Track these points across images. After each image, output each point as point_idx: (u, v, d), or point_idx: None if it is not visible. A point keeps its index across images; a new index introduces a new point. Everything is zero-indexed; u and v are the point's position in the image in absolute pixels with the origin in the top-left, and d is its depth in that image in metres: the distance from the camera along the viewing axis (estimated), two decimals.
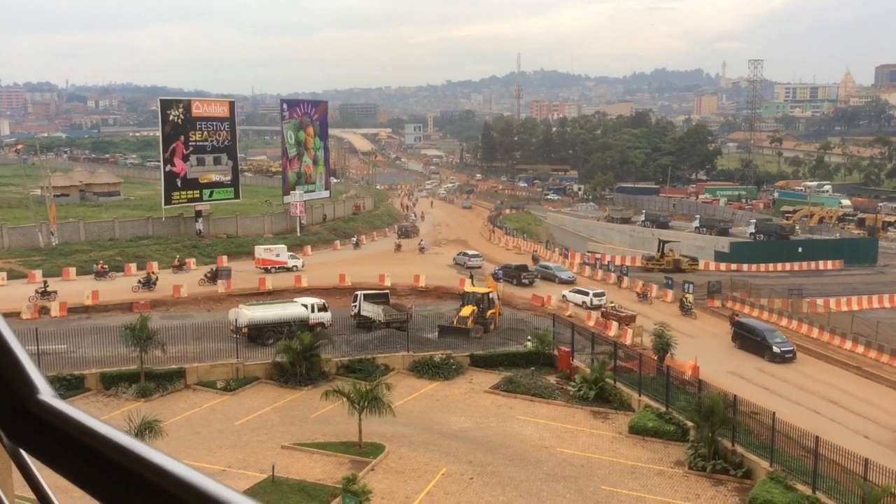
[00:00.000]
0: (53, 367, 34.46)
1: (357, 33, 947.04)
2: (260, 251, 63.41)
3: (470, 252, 69.49)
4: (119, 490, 0.79)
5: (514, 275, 60.08)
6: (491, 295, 46.65)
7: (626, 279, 61.55)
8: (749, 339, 43.44)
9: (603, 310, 50.31)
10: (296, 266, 62.15)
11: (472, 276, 58.05)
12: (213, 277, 55.68)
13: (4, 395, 0.88)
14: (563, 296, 54.03)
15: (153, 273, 55.84)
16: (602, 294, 53.77)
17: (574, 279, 60.53)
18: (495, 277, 57.43)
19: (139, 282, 53.46)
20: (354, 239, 76.57)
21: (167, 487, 0.77)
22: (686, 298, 52.56)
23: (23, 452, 0.91)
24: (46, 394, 0.89)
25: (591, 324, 47.34)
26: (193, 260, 63.08)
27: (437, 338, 42.58)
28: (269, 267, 61.26)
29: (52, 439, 0.85)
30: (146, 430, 24.23)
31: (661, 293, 56.69)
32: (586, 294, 53.61)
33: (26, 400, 0.87)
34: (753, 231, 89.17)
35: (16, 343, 0.93)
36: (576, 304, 52.55)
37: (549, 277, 61.31)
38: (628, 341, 42.96)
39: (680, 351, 39.13)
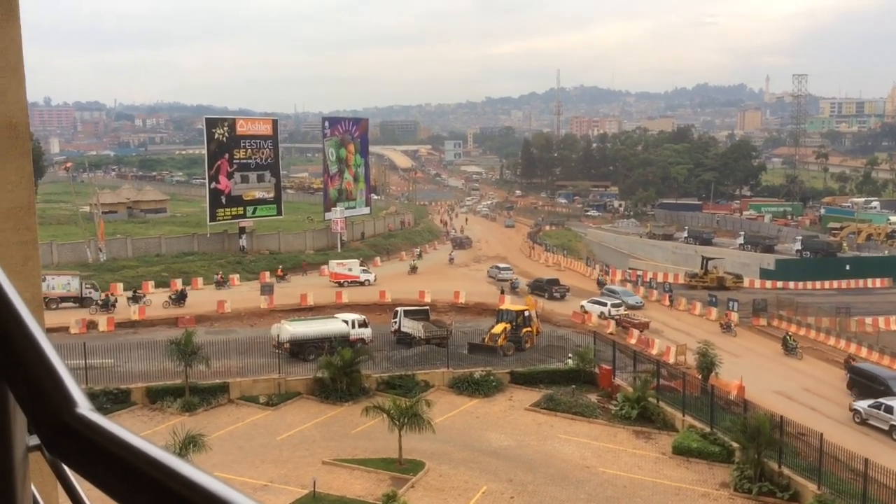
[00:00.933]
0: (101, 381, 35.21)
1: (397, 51, 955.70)
2: (333, 266, 65.29)
3: (501, 265, 70.82)
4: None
5: (545, 288, 60.56)
6: (527, 313, 46.14)
7: (683, 301, 58.98)
8: (870, 388, 36.69)
9: (618, 317, 51.77)
10: (368, 280, 63.19)
11: (503, 291, 58.51)
12: (177, 299, 54.36)
13: (44, 408, 0.90)
14: (582, 306, 54.98)
15: (182, 289, 56.03)
16: (620, 304, 54.72)
17: (642, 304, 56.97)
18: (513, 287, 61.45)
19: (169, 297, 54.16)
20: (414, 256, 76.48)
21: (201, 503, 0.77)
22: (729, 318, 52.21)
23: (63, 465, 0.93)
24: (84, 407, 0.91)
25: (609, 331, 49.03)
26: (237, 276, 63.96)
27: (468, 355, 42.47)
28: (342, 281, 62.41)
29: (90, 452, 0.86)
30: (190, 444, 24.56)
31: (704, 311, 55.97)
32: (605, 304, 54.27)
33: (65, 413, 0.89)
34: (799, 248, 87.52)
35: (55, 357, 0.94)
36: (596, 315, 53.36)
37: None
38: (672, 360, 42.42)
39: (724, 370, 38.52)
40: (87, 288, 53.50)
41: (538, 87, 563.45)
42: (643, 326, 49.88)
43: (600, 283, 64.50)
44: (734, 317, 52.56)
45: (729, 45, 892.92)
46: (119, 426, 0.90)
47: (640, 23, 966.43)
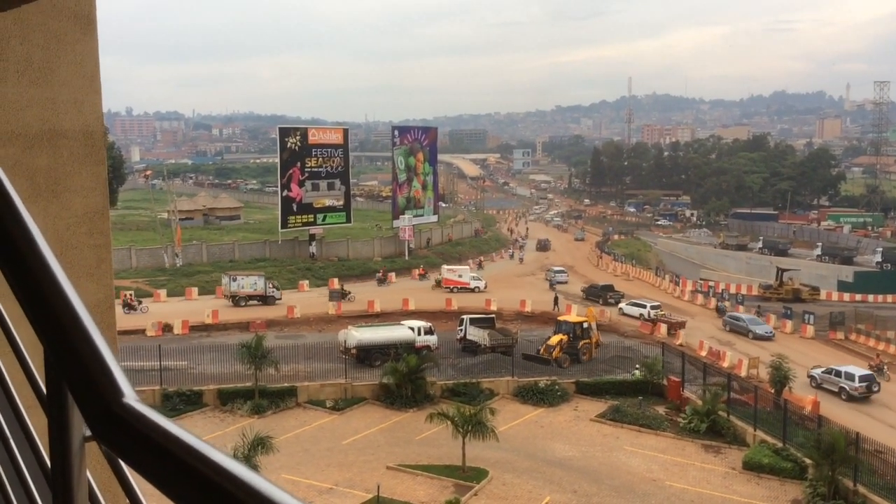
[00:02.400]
0: (174, 383, 36.32)
1: (466, 60, 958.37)
2: (444, 271, 66.97)
3: (556, 268, 73.18)
4: (194, 495, 0.82)
5: (599, 294, 61.94)
6: (586, 324, 45.37)
7: (808, 327, 52.86)
8: None
9: (656, 318, 53.58)
10: (478, 287, 63.95)
11: (556, 299, 58.54)
12: (340, 296, 58.23)
13: (93, 398, 0.95)
14: (621, 308, 56.23)
15: (135, 300, 53.97)
16: (658, 306, 56.17)
17: (773, 335, 50.34)
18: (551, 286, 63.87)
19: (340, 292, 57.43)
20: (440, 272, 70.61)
21: (240, 496, 0.79)
22: (724, 304, 57.00)
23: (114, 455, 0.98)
24: (131, 397, 0.95)
25: (645, 331, 51.43)
26: (307, 282, 65.02)
27: (533, 364, 42.14)
28: (453, 287, 63.64)
29: (135, 441, 0.90)
30: (258, 445, 25.10)
31: (779, 323, 54.49)
32: (644, 307, 55.37)
33: (112, 402, 0.93)
34: (880, 260, 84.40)
35: (105, 347, 0.99)
36: (632, 317, 55.05)
37: (739, 331, 51.94)
38: (743, 373, 41.41)
39: (797, 384, 37.45)
40: (270, 288, 57.24)
41: (608, 96, 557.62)
42: (680, 325, 51.96)
43: (720, 311, 57.75)
44: (810, 330, 51.30)
45: (807, 51, 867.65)
46: (164, 417, 0.92)
47: (715, 29, 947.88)
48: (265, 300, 56.33)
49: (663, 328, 51.48)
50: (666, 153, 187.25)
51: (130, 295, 54.03)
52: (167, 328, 48.95)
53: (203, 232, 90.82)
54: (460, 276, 65.81)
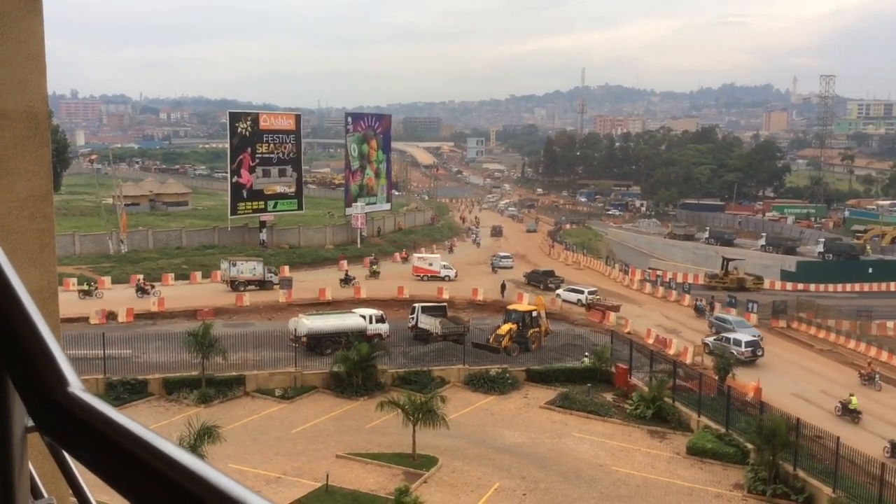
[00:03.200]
0: (119, 372, 35.63)
1: (421, 48, 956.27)
2: (415, 259, 67.16)
3: (502, 253, 75.36)
4: (140, 485, 0.80)
5: (540, 280, 63.81)
6: (535, 313, 45.52)
7: (752, 315, 53.20)
8: None
9: (589, 302, 55.37)
10: (448, 276, 63.88)
11: (503, 286, 59.00)
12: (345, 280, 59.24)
13: (36, 387, 0.91)
14: (558, 294, 57.11)
15: (148, 284, 55.37)
16: (595, 291, 57.83)
17: (760, 339, 46.29)
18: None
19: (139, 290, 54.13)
20: (371, 263, 67.94)
21: (187, 486, 0.77)
22: (702, 302, 55.32)
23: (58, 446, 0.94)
24: (76, 387, 0.91)
25: (594, 319, 51.96)
26: (142, 276, 63.27)
27: (484, 353, 42.33)
28: (423, 275, 63.80)
29: (80, 432, 0.86)
30: (205, 435, 24.75)
31: (723, 311, 55.59)
32: (581, 292, 57.13)
33: (55, 391, 0.89)
34: (822, 250, 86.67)
35: (50, 336, 0.95)
36: (570, 302, 56.57)
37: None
38: (688, 360, 42.17)
39: (741, 371, 38.29)
40: (269, 273, 58.53)
41: (562, 86, 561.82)
42: (615, 309, 53.47)
43: (698, 310, 55.67)
44: (717, 306, 53.49)
45: (756, 45, 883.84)
46: (110, 406, 0.89)
47: (667, 22, 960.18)
48: (263, 285, 57.22)
49: (612, 316, 52.14)
50: (617, 144, 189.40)
51: (143, 279, 55.85)
52: (111, 316, 47.99)
53: (149, 218, 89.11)
54: (431, 264, 65.85)
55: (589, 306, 55.24)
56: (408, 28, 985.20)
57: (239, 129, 75.40)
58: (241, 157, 75.38)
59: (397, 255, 77.67)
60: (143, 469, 0.80)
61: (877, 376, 40.28)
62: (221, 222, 78.45)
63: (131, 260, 64.58)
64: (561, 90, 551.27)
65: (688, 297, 60.41)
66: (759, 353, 43.51)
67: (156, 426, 29.39)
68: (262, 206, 76.80)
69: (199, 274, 61.26)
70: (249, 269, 58.01)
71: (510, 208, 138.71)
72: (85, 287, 53.02)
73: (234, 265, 57.94)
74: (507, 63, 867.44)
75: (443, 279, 63.17)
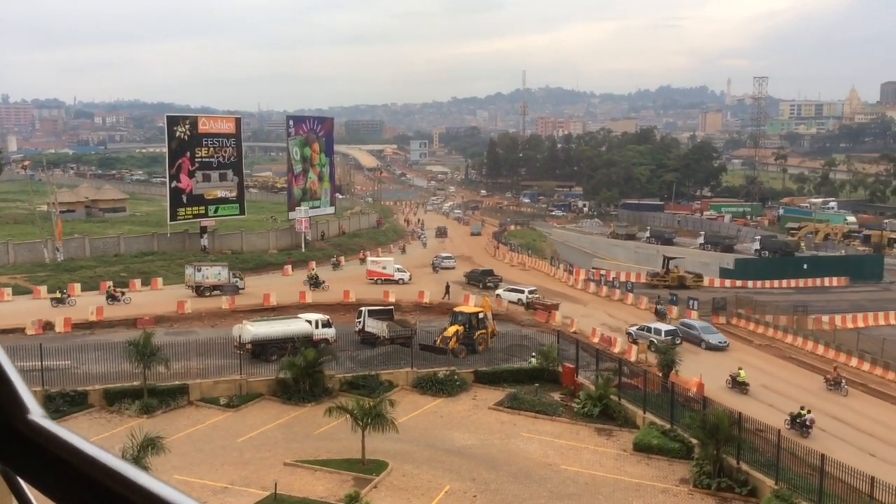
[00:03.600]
0: (57, 383, 34.56)
1: (363, 49, 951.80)
2: (369, 263, 66.90)
3: (444, 254, 76.49)
4: None
5: (479, 279, 64.90)
6: (481, 315, 45.66)
7: (693, 312, 54.32)
8: None
9: (530, 301, 55.87)
10: (402, 279, 63.54)
11: (447, 288, 59.31)
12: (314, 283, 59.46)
13: None
14: (497, 294, 57.21)
15: (118, 291, 54.99)
16: (535, 290, 58.36)
17: (727, 345, 47.22)
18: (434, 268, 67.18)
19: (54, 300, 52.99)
20: (312, 269, 68.43)
21: None
22: (664, 306, 54.91)
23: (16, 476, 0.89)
24: (36, 414, 0.88)
25: (541, 320, 52.18)
26: (110, 283, 62.20)
27: (432, 355, 42.28)
28: (377, 279, 63.46)
29: (41, 460, 0.82)
30: (148, 446, 24.18)
31: (665, 308, 56.55)
32: (522, 292, 57.60)
33: (15, 419, 0.86)
34: (758, 248, 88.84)
35: (6, 361, 0.92)
36: (511, 302, 56.78)
37: (692, 340, 47.74)
38: (633, 358, 42.81)
39: (684, 367, 38.98)
40: (234, 278, 58.29)
41: (504, 88, 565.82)
42: (554, 307, 54.34)
43: (659, 314, 54.92)
44: (674, 310, 54.09)
45: (692, 47, 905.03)
46: (73, 433, 0.85)
47: (605, 25, 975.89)
48: (229, 290, 57.00)
49: (558, 316, 52.62)
50: (559, 145, 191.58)
51: (112, 286, 55.27)
52: (48, 326, 46.60)
53: (86, 225, 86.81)
54: (384, 267, 65.45)
55: (528, 305, 55.93)
56: (349, 30, 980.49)
57: (177, 133, 73.95)
58: (180, 161, 73.95)
59: (342, 258, 77.27)
60: (111, 498, 0.76)
61: (843, 381, 39.28)
62: (161, 228, 76.83)
63: (68, 268, 62.73)
64: (502, 92, 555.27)
65: (631, 295, 61.32)
66: (678, 342, 45.09)
67: (97, 438, 28.60)
68: (203, 212, 75.46)
69: (160, 280, 60.59)
70: (214, 273, 57.81)
71: (455, 210, 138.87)
72: (57, 295, 52.60)
73: (199, 270, 57.67)
74: (448, 65, 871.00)
75: (396, 282, 62.90)
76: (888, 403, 38.04)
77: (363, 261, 72.26)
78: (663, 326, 48.02)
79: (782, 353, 46.80)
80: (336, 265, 72.15)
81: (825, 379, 39.85)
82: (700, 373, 38.23)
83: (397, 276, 64.30)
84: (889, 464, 28.70)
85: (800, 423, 32.68)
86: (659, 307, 55.81)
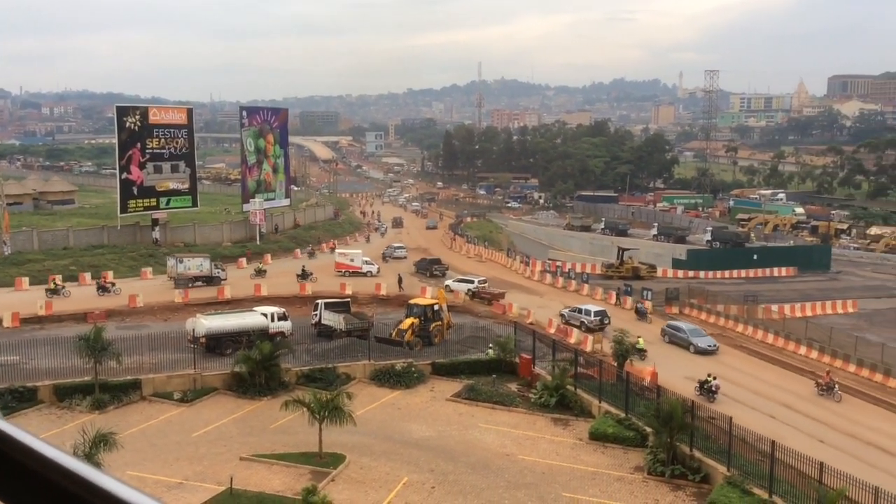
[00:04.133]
0: (5, 380, 33.70)
1: (318, 40, 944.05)
2: (336, 255, 66.67)
3: (395, 244, 77.78)
4: None
5: (427, 268, 66.72)
6: (436, 307, 45.73)
7: (647, 303, 54.65)
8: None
9: (477, 291, 56.92)
10: (370, 272, 63.17)
11: (400, 279, 59.68)
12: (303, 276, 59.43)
13: None
14: (447, 285, 57.39)
15: (108, 282, 55.07)
16: (485, 281, 59.57)
17: (717, 348, 45.08)
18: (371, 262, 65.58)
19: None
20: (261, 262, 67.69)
21: None
22: (643, 304, 53.60)
23: None
24: None
25: (497, 311, 52.78)
26: (150, 269, 62.05)
27: (390, 347, 42.22)
28: (345, 271, 63.19)
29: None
30: (101, 442, 23.70)
31: (620, 300, 57.23)
32: (472, 282, 58.37)
33: None
34: (710, 239, 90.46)
35: None
36: (463, 292, 57.15)
37: (679, 343, 45.95)
38: (589, 348, 43.24)
39: (672, 373, 39.42)
40: (216, 269, 58.74)
41: (459, 80, 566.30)
42: (499, 297, 55.72)
43: (639, 313, 52.95)
44: (649, 304, 54.09)
45: (645, 41, 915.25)
46: (36, 437, 0.82)
47: (560, 18, 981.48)
48: (210, 281, 57.38)
49: (515, 307, 52.87)
50: (515, 137, 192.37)
51: (104, 277, 55.79)
52: None
53: (33, 218, 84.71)
54: (352, 259, 64.99)
55: (474, 294, 56.81)
56: (303, 20, 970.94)
57: (127, 124, 72.49)
58: (131, 152, 72.53)
59: (298, 251, 76.75)
60: (64, 498, 0.73)
61: (836, 386, 37.03)
62: (111, 221, 75.29)
63: (15, 262, 61.11)
64: (458, 84, 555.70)
65: (587, 286, 61.90)
66: (606, 322, 48.69)
67: (47, 435, 27.96)
68: (155, 204, 74.11)
69: (149, 270, 60.35)
70: (196, 265, 58.15)
71: (413, 203, 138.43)
72: (52, 286, 52.31)
73: (181, 262, 57.97)
74: (404, 57, 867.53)
75: (364, 275, 62.45)
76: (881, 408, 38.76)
77: (333, 250, 73.82)
78: (593, 307, 50.61)
79: (734, 342, 47.57)
80: (312, 254, 73.66)
81: (816, 384, 37.91)
82: (654, 362, 38.74)
83: (365, 268, 63.94)
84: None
85: (707, 389, 35.80)
86: (639, 307, 53.57)
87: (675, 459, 27.64)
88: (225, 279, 58.49)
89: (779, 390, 38.00)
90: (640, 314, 52.86)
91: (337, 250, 70.08)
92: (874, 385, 39.45)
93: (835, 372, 40.91)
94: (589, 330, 47.51)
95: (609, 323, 48.49)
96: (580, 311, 50.33)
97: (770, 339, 47.54)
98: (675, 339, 46.25)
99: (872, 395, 37.66)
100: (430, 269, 66.40)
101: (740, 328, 50.17)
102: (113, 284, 54.42)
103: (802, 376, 40.82)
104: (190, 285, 56.05)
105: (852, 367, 41.63)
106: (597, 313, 49.34)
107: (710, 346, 45.06)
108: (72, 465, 0.74)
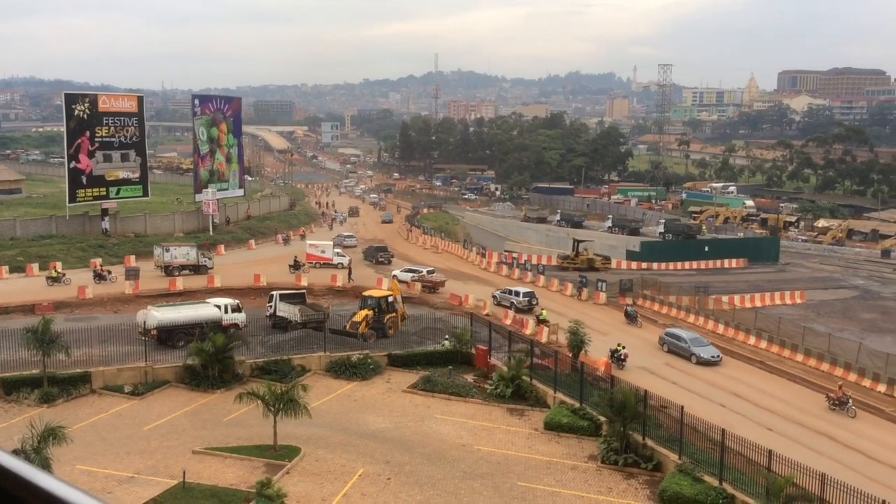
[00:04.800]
0: None
1: (273, 28, 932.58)
2: (307, 246, 66.37)
3: (346, 234, 79.45)
4: None
5: (373, 255, 68.22)
6: (391, 298, 45.50)
7: (601, 294, 55.20)
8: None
9: (419, 279, 57.92)
10: (341, 263, 62.63)
11: (349, 271, 59.65)
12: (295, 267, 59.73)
13: None
14: (394, 276, 57.67)
15: (105, 270, 55.60)
16: (433, 270, 60.27)
17: (720, 359, 41.17)
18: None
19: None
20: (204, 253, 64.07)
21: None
22: (633, 307, 51.26)
23: None
24: None
25: (454, 303, 53.10)
26: (100, 260, 60.80)
27: (345, 339, 41.98)
28: (315, 262, 63.22)
29: None
30: (49, 437, 23.20)
31: (575, 291, 57.70)
32: (419, 272, 59.18)
33: None
34: (662, 231, 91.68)
35: None
36: (404, 282, 56.76)
37: (681, 353, 41.91)
38: (544, 339, 43.53)
39: (594, 347, 39.92)
40: (203, 257, 59.45)
41: (416, 71, 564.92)
42: (440, 285, 57.03)
43: (629, 315, 49.66)
44: (602, 297, 54.82)
45: (600, 34, 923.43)
46: None
47: (517, 10, 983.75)
48: (198, 269, 58.02)
49: (471, 299, 53.01)
50: (471, 129, 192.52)
51: (100, 265, 56.84)
52: None
53: None
54: (323, 251, 64.65)
55: (413, 281, 57.51)
56: (257, 7, 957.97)
57: (76, 112, 70.74)
58: (79, 141, 70.81)
59: (252, 242, 75.98)
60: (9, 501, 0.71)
61: (849, 401, 34.33)
62: (59, 211, 73.54)
63: None
64: (415, 75, 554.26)
65: (542, 277, 62.24)
66: (535, 303, 51.89)
67: None
68: (104, 193, 72.51)
69: (35, 266, 57.47)
70: (183, 253, 58.88)
71: (372, 195, 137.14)
72: (53, 274, 53.12)
73: (168, 250, 58.71)
74: (360, 47, 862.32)
75: (335, 266, 61.88)
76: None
77: (304, 237, 76.79)
78: (522, 289, 54.06)
79: (776, 369, 41.16)
80: (287, 240, 77.18)
81: (827, 397, 35.14)
82: (605, 352, 39.19)
83: (336, 260, 63.55)
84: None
85: (616, 358, 38.76)
86: (629, 310, 50.18)
87: (629, 448, 28.00)
88: (212, 267, 58.79)
89: (733, 381, 38.76)
90: (630, 318, 49.35)
91: (308, 241, 69.75)
92: (821, 374, 40.30)
93: (782, 361, 41.85)
94: (518, 310, 50.32)
95: (537, 303, 51.39)
96: (510, 292, 53.51)
97: (720, 329, 48.36)
98: (675, 349, 42.33)
99: (817, 383, 38.46)
100: (376, 256, 67.63)
101: (692, 319, 50.93)
102: (109, 272, 54.92)
103: (751, 365, 41.67)
104: (177, 273, 56.45)
105: (800, 357, 42.50)
106: (525, 294, 52.53)
107: (713, 356, 41.08)
108: (7, 464, 0.73)
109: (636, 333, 47.26)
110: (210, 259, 60.28)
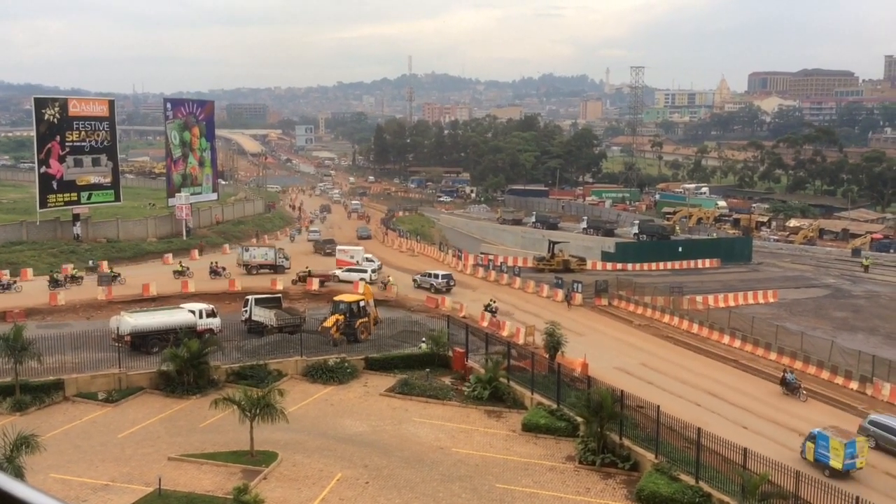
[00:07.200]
0: None
1: (245, 31, 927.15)
2: (337, 252, 68.11)
3: (313, 228, 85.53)
4: None
5: (321, 248, 74.32)
6: (362, 303, 45.07)
7: (577, 295, 55.46)
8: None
9: (373, 280, 58.86)
10: (371, 269, 61.51)
11: (309, 272, 59.71)
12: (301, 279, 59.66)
13: None
14: (334, 274, 59.50)
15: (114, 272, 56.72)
16: (380, 268, 63.31)
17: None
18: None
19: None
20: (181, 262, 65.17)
21: None
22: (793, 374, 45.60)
23: None
24: None
25: (431, 305, 53.31)
26: (71, 266, 60.07)
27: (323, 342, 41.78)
28: (344, 268, 63.09)
29: None
30: (22, 445, 22.85)
31: (552, 293, 57.94)
32: (365, 272, 59.81)
33: None
34: (637, 232, 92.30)
35: None
36: (348, 281, 57.74)
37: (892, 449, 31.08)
38: (521, 340, 43.64)
39: (570, 348, 40.04)
40: (280, 258, 63.64)
41: (390, 74, 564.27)
42: (387, 286, 57.72)
43: (788, 384, 36.93)
44: (578, 298, 54.98)
45: (573, 36, 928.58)
46: None
47: (490, 13, 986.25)
48: (275, 269, 62.37)
49: (448, 301, 53.03)
50: (446, 131, 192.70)
51: (108, 267, 58.63)
52: None
53: None
54: (352, 256, 64.39)
55: (371, 282, 57.74)
56: (229, 10, 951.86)
57: (46, 116, 69.92)
58: (50, 145, 70.02)
59: (226, 246, 75.46)
60: None
61: (800, 385, 36.24)
62: (30, 216, 72.62)
63: None
64: (389, 78, 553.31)
65: (518, 279, 62.40)
66: (452, 283, 58.17)
67: None
68: (75, 198, 71.71)
69: (7, 272, 56.55)
70: (262, 254, 63.91)
71: (354, 202, 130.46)
72: (71, 273, 55.35)
73: (247, 251, 64.44)
74: (334, 50, 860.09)
75: (364, 272, 59.84)
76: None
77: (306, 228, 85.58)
78: (441, 272, 59.64)
79: (660, 332, 48.32)
80: (293, 238, 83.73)
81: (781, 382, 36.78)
82: (585, 353, 39.34)
83: (366, 265, 62.15)
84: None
85: (491, 311, 46.81)
86: (788, 376, 37.47)
87: (606, 448, 28.12)
88: (288, 267, 62.69)
89: (708, 380, 39.12)
90: (790, 388, 36.98)
91: (338, 247, 69.85)
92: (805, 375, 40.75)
93: (756, 360, 42.30)
94: (437, 291, 56.07)
95: (454, 285, 57.69)
96: (430, 275, 58.90)
97: (695, 328, 48.80)
98: (886, 443, 29.98)
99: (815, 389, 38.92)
100: (324, 248, 73.02)
101: (667, 319, 51.34)
102: (118, 274, 56.54)
103: (726, 364, 42.08)
104: (255, 272, 61.43)
105: (773, 356, 42.98)
106: (443, 276, 58.15)
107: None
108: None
109: (797, 412, 34.72)
110: (287, 259, 63.96)
